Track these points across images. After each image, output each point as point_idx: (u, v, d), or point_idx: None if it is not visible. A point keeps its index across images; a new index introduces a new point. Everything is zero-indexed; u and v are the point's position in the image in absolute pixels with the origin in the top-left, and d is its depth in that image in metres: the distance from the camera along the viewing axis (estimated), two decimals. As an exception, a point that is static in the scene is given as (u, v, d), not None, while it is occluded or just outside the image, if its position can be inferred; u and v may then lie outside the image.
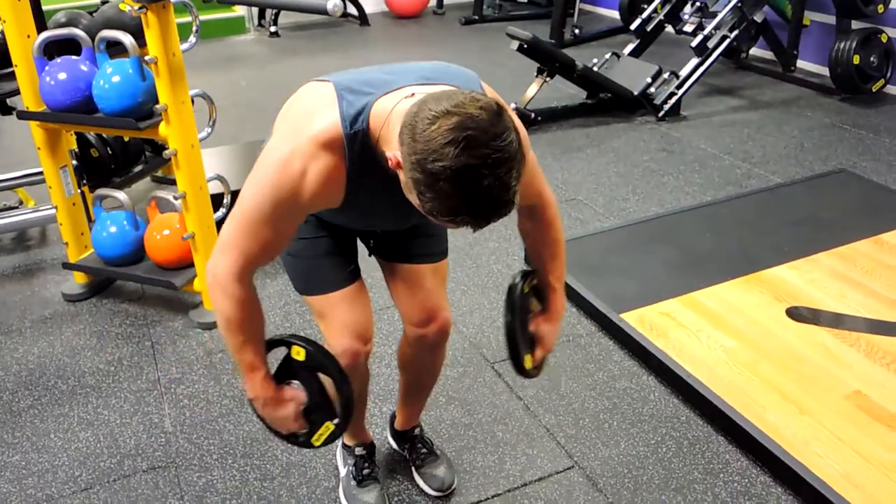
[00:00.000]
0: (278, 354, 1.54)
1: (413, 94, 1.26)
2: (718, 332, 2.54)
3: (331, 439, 1.55)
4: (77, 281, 2.98)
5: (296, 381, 1.53)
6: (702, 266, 2.95)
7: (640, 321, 2.58)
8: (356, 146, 1.31)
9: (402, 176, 1.20)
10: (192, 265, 2.75)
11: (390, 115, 1.26)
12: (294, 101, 1.45)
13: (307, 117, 1.33)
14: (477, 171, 1.10)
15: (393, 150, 1.20)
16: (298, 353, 1.50)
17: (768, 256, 2.99)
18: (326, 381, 1.51)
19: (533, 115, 4.49)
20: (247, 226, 1.37)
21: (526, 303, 1.67)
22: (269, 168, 1.33)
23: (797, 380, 2.31)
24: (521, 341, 1.65)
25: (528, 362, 1.69)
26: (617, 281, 2.86)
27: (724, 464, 2.07)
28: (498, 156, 1.11)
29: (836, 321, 2.59)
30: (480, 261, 3.09)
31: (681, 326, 2.56)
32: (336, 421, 1.52)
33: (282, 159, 1.31)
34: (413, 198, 1.19)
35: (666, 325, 2.57)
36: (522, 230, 1.69)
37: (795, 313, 2.63)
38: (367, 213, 1.50)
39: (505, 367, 2.45)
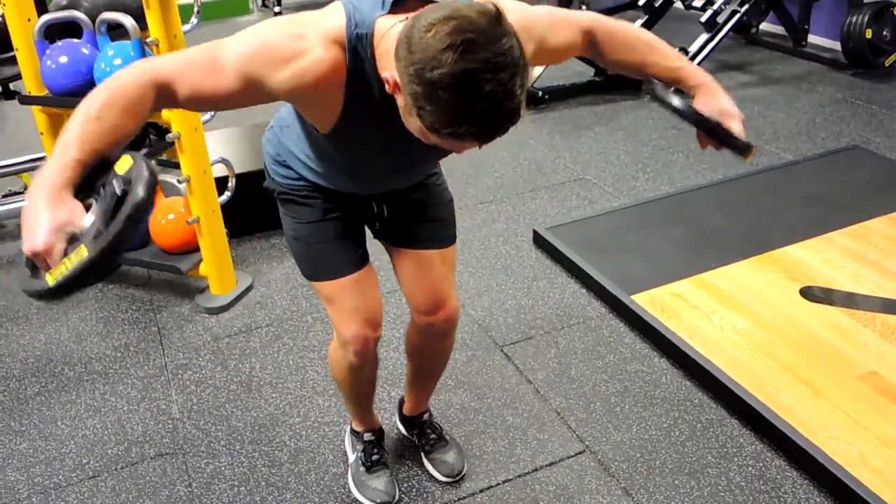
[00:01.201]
0: None
1: (407, 18, 1.18)
2: (731, 312, 2.50)
3: (71, 276, 1.08)
4: (83, 266, 2.95)
5: (92, 199, 1.15)
6: (713, 245, 2.90)
7: (652, 302, 2.55)
8: (358, 52, 1.24)
9: (399, 100, 1.15)
10: (197, 249, 2.72)
11: (389, 34, 1.20)
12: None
13: (315, 14, 1.26)
14: (478, 75, 1.04)
15: (390, 72, 1.15)
16: (124, 163, 1.13)
17: (781, 235, 2.94)
18: (125, 210, 1.09)
19: (540, 93, 4.43)
20: (208, 60, 1.21)
21: (682, 99, 1.45)
22: (268, 29, 1.23)
23: (811, 361, 2.27)
24: (712, 124, 1.42)
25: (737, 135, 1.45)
26: (627, 261, 2.82)
27: (738, 447, 2.04)
28: (499, 59, 1.05)
29: (850, 301, 2.55)
30: (489, 242, 3.05)
31: (693, 307, 2.53)
32: (95, 247, 1.07)
33: (287, 30, 1.22)
34: (413, 120, 1.13)
35: (677, 306, 2.54)
36: (612, 62, 1.51)
37: (809, 293, 2.59)
38: (364, 157, 1.42)
39: (514, 350, 2.43)
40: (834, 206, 3.16)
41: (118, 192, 1.11)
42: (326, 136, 1.36)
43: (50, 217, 1.06)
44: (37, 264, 1.12)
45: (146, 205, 1.10)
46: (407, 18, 1.16)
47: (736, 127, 1.46)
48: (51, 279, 1.09)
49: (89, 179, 1.14)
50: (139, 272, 2.96)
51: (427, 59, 1.05)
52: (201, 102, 1.26)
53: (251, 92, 1.23)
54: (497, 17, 1.08)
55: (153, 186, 1.10)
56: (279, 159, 1.58)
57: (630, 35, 1.49)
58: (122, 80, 1.18)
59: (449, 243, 1.72)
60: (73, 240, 1.09)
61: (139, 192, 1.09)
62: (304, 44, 1.21)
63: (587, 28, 1.47)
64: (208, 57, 1.22)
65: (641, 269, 2.76)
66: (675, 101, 1.45)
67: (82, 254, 1.07)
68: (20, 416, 2.26)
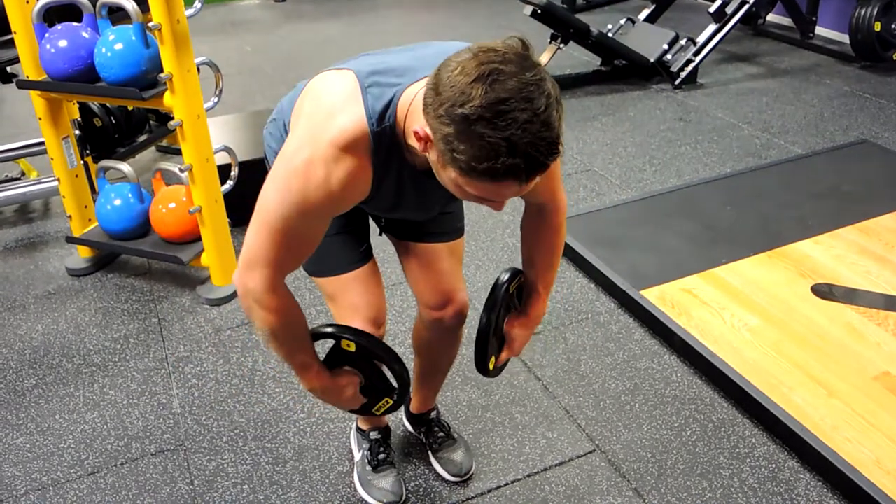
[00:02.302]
0: (325, 342, 1.50)
1: None
2: (742, 309, 2.46)
3: (391, 410, 1.58)
4: (81, 255, 2.91)
5: (347, 367, 1.52)
6: (723, 240, 2.86)
7: (662, 298, 2.50)
8: (384, 142, 1.22)
9: (432, 155, 1.11)
10: (199, 239, 2.67)
11: (414, 103, 1.16)
12: (311, 93, 1.32)
13: (328, 116, 1.22)
14: (510, 103, 0.99)
15: (419, 125, 1.10)
16: (349, 346, 1.48)
17: (791, 231, 2.90)
18: (378, 362, 1.52)
19: (546, 83, 4.37)
20: (272, 236, 1.26)
21: (508, 302, 1.60)
22: (289, 174, 1.22)
23: (824, 360, 2.23)
24: (491, 342, 1.57)
25: (491, 363, 1.62)
26: (636, 255, 2.78)
27: (751, 448, 2.00)
28: (531, 89, 1.00)
29: (862, 299, 2.51)
30: (495, 234, 3.00)
31: (703, 304, 2.49)
32: (395, 397, 1.55)
33: (302, 166, 1.20)
34: (448, 172, 1.09)
35: (688, 302, 2.50)
36: (525, 229, 1.60)
37: (821, 290, 2.55)
38: (392, 205, 1.41)
39: (522, 345, 2.38)
40: (844, 202, 3.12)
41: (364, 363, 1.53)
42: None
43: (349, 397, 1.53)
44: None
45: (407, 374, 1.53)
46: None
47: (502, 357, 1.62)
48: (378, 412, 1.60)
49: (331, 361, 1.53)
50: (139, 262, 2.91)
51: (456, 95, 1.01)
52: (309, 255, 1.37)
53: (323, 224, 1.31)
54: (524, 50, 1.05)
55: (397, 358, 1.51)
56: None
57: (558, 244, 1.60)
58: (264, 314, 1.33)
59: (457, 236, 1.67)
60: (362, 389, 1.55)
61: (402, 372, 1.51)
62: (321, 172, 1.20)
63: (557, 200, 1.53)
64: (275, 235, 1.26)
65: (651, 264, 2.72)
66: (504, 276, 1.56)
67: (389, 401, 1.57)
68: (17, 410, 2.21)
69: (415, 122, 1.14)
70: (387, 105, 1.20)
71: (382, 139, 1.21)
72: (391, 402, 1.56)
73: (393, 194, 1.34)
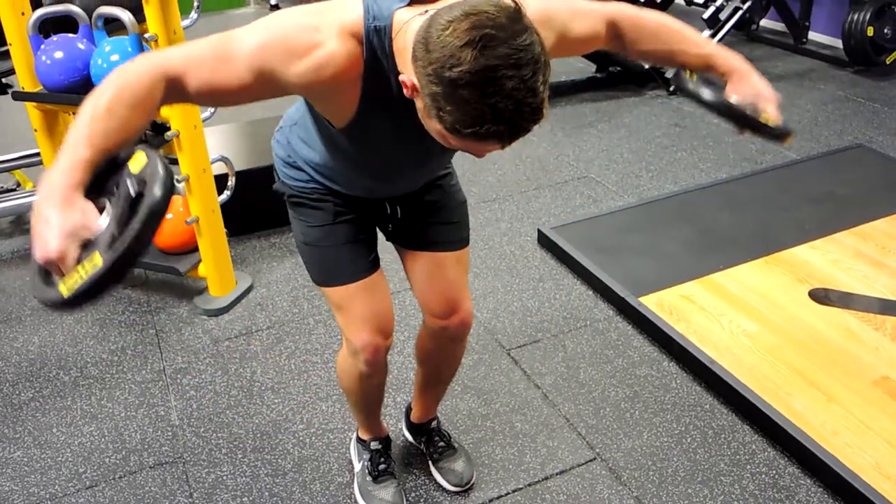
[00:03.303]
0: None
1: (426, 11, 1.14)
2: (741, 315, 2.46)
3: (85, 287, 0.99)
4: (78, 266, 2.89)
5: (105, 200, 1.07)
6: (720, 246, 2.86)
7: (660, 305, 2.50)
8: (374, 45, 1.19)
9: (418, 102, 1.11)
10: (196, 250, 2.66)
11: (406, 27, 1.15)
12: None
13: (331, 5, 1.21)
14: (499, 71, 1.00)
15: (407, 74, 1.11)
16: (138, 160, 1.06)
17: (788, 236, 2.91)
18: (141, 213, 1.01)
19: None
20: (220, 52, 1.16)
21: (702, 85, 1.43)
22: (282, 21, 1.18)
23: (823, 365, 2.23)
24: (741, 115, 1.39)
25: (768, 120, 1.42)
26: (634, 262, 2.78)
27: (751, 454, 2.00)
28: (521, 55, 1.01)
29: (859, 303, 2.51)
30: (493, 242, 3.00)
31: (702, 310, 2.49)
32: (110, 256, 0.99)
33: (302, 22, 1.17)
34: (433, 122, 1.09)
35: (686, 308, 2.50)
36: (639, 56, 1.48)
37: (818, 295, 2.56)
38: (379, 151, 1.37)
39: (521, 353, 2.38)
40: (840, 206, 3.13)
41: (133, 192, 1.03)
42: (341, 130, 1.32)
43: (61, 221, 0.99)
44: (49, 271, 1.04)
45: (163, 206, 1.01)
46: (426, 12, 1.12)
47: (771, 111, 1.42)
48: (65, 289, 1.00)
49: (101, 179, 1.06)
50: (136, 272, 2.89)
51: (446, 57, 1.01)
52: (213, 96, 1.21)
53: (265, 85, 1.19)
54: (516, 12, 1.04)
55: (171, 186, 1.03)
56: (289, 161, 1.53)
57: (655, 24, 1.45)
58: (129, 73, 1.12)
59: (463, 245, 1.67)
60: (87, 245, 1.01)
61: (156, 192, 1.00)
62: (319, 36, 1.17)
63: (610, 18, 1.42)
64: (220, 49, 1.17)
65: (649, 270, 2.72)
66: (706, 93, 1.42)
67: (97, 262, 0.99)
68: (14, 423, 2.20)
69: (404, 59, 1.14)
70: (382, 10, 1.19)
71: (373, 41, 1.19)
72: (98, 262, 0.99)
73: (379, 138, 1.31)
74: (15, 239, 3.22)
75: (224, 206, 2.68)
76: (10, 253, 3.11)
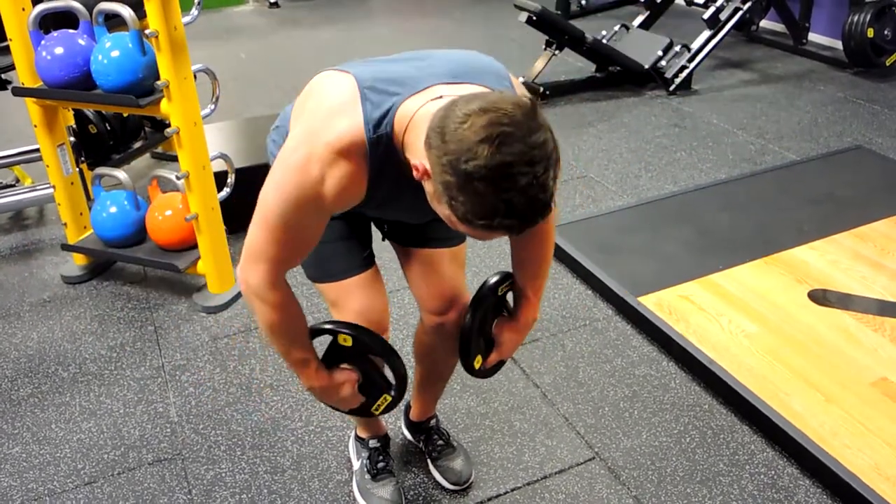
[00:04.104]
0: (323, 339, 1.51)
1: (441, 97, 1.18)
2: (740, 316, 2.46)
3: (389, 409, 1.58)
4: (76, 262, 2.89)
5: (345, 364, 1.53)
6: (720, 246, 2.87)
7: (659, 305, 2.51)
8: (380, 150, 1.23)
9: (428, 186, 1.14)
10: (195, 247, 2.66)
11: (415, 119, 1.18)
12: (311, 92, 1.35)
13: (327, 118, 1.24)
14: (514, 168, 1.03)
15: (418, 158, 1.13)
16: (345, 341, 1.49)
17: (787, 237, 2.91)
18: (376, 359, 1.53)
19: (542, 88, 4.38)
20: (272, 233, 1.30)
21: (497, 304, 1.62)
22: (287, 172, 1.25)
23: (822, 366, 2.24)
24: (476, 341, 1.59)
25: (477, 362, 1.63)
26: (633, 262, 2.78)
27: (750, 455, 2.00)
28: (535, 153, 1.04)
29: (858, 304, 2.51)
30: (492, 242, 3.00)
31: (701, 310, 2.49)
32: (392, 393, 1.56)
33: (299, 164, 1.23)
34: (443, 208, 1.12)
35: (686, 308, 2.50)
36: (513, 238, 1.60)
37: (817, 296, 2.56)
38: (388, 208, 1.42)
39: (520, 352, 2.39)
40: (839, 207, 3.14)
41: (360, 359, 1.54)
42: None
43: (347, 395, 1.54)
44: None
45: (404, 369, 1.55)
46: (440, 97, 1.17)
47: (493, 357, 1.63)
48: (377, 411, 1.60)
49: (329, 359, 1.54)
50: (135, 269, 2.89)
51: (462, 150, 1.04)
52: (308, 251, 1.38)
53: (318, 221, 1.32)
54: (532, 109, 1.07)
55: (393, 351, 1.54)
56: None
57: (548, 253, 1.59)
58: (265, 309, 1.38)
59: (459, 241, 1.67)
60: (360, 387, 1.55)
61: (397, 366, 1.54)
62: (314, 173, 1.22)
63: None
64: (274, 231, 1.29)
65: (648, 270, 2.72)
66: (493, 279, 1.59)
67: (387, 399, 1.58)
68: (12, 419, 2.19)
69: (414, 146, 1.17)
70: (384, 114, 1.21)
71: (378, 147, 1.23)
72: (389, 398, 1.56)
73: (388, 198, 1.35)
74: (14, 235, 3.21)
75: (223, 204, 2.68)
76: (9, 249, 3.11)
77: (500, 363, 1.69)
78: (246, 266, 1.36)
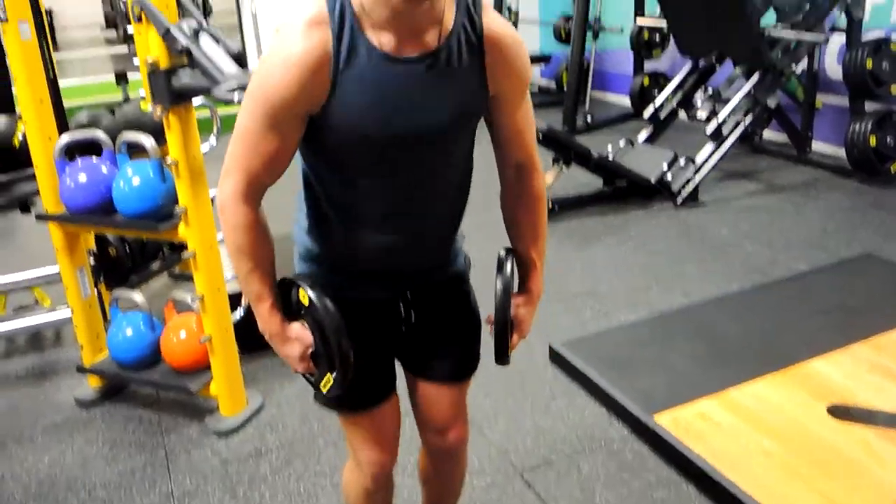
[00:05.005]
0: None
1: None
2: (758, 433, 2.42)
3: (335, 390, 1.44)
4: (91, 385, 2.90)
5: (304, 323, 1.44)
6: (734, 360, 2.85)
7: (675, 424, 2.47)
8: (340, 14, 1.25)
9: None
10: (208, 368, 2.67)
11: None
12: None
13: (294, 15, 1.29)
14: None
15: None
16: (303, 298, 1.41)
17: (801, 348, 2.89)
18: (334, 345, 1.41)
19: (550, 204, 4.47)
20: (244, 138, 1.33)
21: (512, 284, 1.54)
22: (260, 66, 1.30)
23: (845, 485, 2.18)
24: (509, 332, 1.52)
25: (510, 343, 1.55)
26: (647, 378, 2.76)
27: (775, 583, 1.93)
28: None
29: (879, 419, 2.47)
30: (488, 231, 2.98)
31: (718, 428, 2.45)
32: (335, 375, 1.42)
33: (266, 57, 1.29)
34: None
35: (702, 427, 2.46)
36: (506, 202, 1.57)
37: (836, 411, 2.52)
38: (379, 105, 1.31)
39: (535, 476, 2.34)
40: (852, 317, 3.12)
41: (313, 321, 1.41)
42: (324, 119, 1.31)
43: (291, 353, 1.43)
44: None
45: (338, 335, 1.38)
46: None
47: (515, 339, 1.55)
48: (324, 389, 1.45)
49: (286, 304, 1.46)
50: (148, 391, 2.90)
51: None
52: (276, 168, 1.36)
53: (288, 125, 1.31)
54: None
55: (338, 324, 1.38)
56: (301, 251, 1.55)
57: (544, 210, 1.56)
58: (229, 216, 1.37)
59: (469, 375, 1.68)
60: (313, 355, 1.44)
61: (339, 344, 1.39)
62: (286, 47, 1.26)
63: (534, 159, 1.52)
64: (244, 137, 1.33)
65: (662, 387, 2.70)
66: (507, 265, 1.50)
67: (330, 380, 1.44)
68: (20, 550, 2.16)
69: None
70: None
71: (335, 13, 1.25)
72: (331, 380, 1.44)
73: (368, 92, 1.28)
74: (30, 356, 3.24)
75: (237, 324, 2.71)
76: (26, 370, 3.13)
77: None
78: (221, 180, 1.38)
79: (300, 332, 1.42)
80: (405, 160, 1.36)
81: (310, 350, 1.42)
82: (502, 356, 1.52)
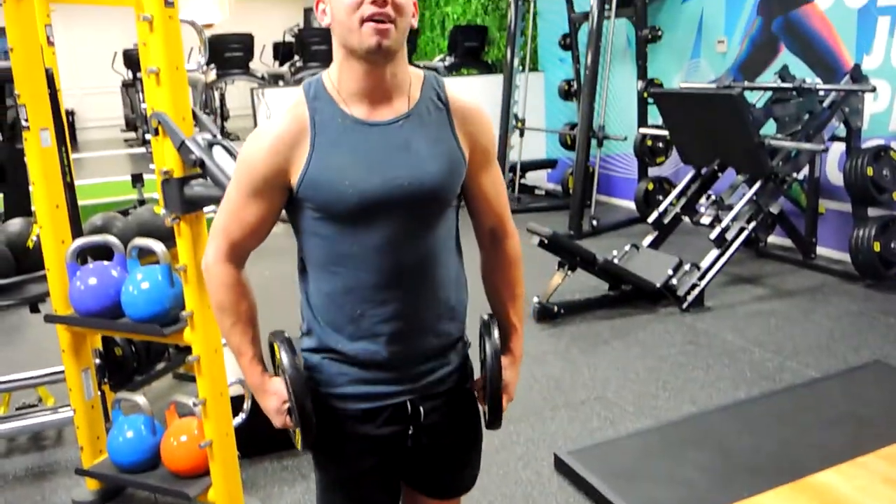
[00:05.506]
0: None
1: None
2: (769, 551, 2.35)
3: (303, 446, 1.49)
4: (89, 487, 2.86)
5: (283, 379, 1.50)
6: (742, 472, 2.79)
7: (683, 539, 2.41)
8: (314, 88, 1.42)
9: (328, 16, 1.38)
10: (207, 473, 2.64)
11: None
12: None
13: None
14: None
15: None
16: (278, 357, 1.49)
17: (812, 459, 2.83)
18: (296, 402, 1.45)
19: (556, 308, 4.48)
20: (227, 206, 1.46)
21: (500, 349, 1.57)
22: (242, 149, 1.46)
23: None
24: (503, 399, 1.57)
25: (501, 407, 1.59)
26: (655, 490, 2.70)
27: None
28: None
29: (894, 538, 2.39)
30: (508, 467, 2.94)
31: (727, 545, 2.38)
32: (299, 430, 1.47)
33: (251, 136, 1.44)
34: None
35: (710, 542, 2.39)
36: (486, 270, 1.63)
37: (849, 528, 2.44)
38: (353, 162, 1.39)
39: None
40: (863, 427, 3.08)
41: (287, 378, 1.45)
42: (308, 191, 1.40)
43: (269, 406, 1.50)
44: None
45: (299, 393, 1.43)
46: None
47: (504, 403, 1.58)
48: (298, 444, 1.50)
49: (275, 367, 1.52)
50: (146, 495, 2.85)
51: None
52: (257, 234, 1.49)
53: (268, 191, 1.43)
54: None
55: (301, 383, 1.43)
56: (303, 336, 1.57)
57: (519, 273, 1.63)
58: (213, 280, 1.49)
59: (468, 489, 1.68)
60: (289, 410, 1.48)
61: (301, 404, 1.43)
62: (268, 127, 1.42)
63: (508, 223, 1.58)
64: (228, 205, 1.47)
65: (670, 499, 2.64)
66: (494, 332, 1.54)
67: (298, 437, 1.48)
68: None
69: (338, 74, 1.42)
70: (317, 77, 1.44)
71: (310, 89, 1.42)
72: (298, 435, 1.48)
73: (345, 150, 1.39)
74: (31, 455, 3.21)
75: (238, 428, 2.69)
76: (25, 470, 3.09)
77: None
78: (207, 245, 1.50)
79: (278, 387, 1.49)
80: (390, 223, 1.40)
81: (286, 405, 1.48)
82: (495, 421, 1.57)
